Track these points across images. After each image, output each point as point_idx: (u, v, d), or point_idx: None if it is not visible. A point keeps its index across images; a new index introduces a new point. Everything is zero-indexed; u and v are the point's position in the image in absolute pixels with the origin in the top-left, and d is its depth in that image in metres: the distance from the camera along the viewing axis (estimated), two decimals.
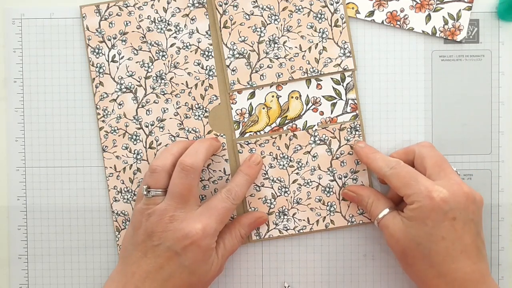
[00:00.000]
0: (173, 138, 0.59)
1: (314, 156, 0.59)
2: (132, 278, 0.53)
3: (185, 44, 0.59)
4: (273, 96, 0.59)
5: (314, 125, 0.59)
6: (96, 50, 0.59)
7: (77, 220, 0.60)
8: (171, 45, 0.59)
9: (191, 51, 0.59)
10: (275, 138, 0.59)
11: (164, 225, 0.52)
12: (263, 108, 0.59)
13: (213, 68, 0.59)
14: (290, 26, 0.59)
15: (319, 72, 0.59)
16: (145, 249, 0.53)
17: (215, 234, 0.54)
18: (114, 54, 0.59)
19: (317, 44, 0.59)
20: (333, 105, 0.59)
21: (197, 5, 0.59)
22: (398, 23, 0.59)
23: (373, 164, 0.56)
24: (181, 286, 0.53)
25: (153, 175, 0.54)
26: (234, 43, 0.59)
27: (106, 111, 0.59)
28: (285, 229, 0.60)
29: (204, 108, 0.59)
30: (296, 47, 0.59)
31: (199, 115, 0.59)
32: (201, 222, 0.53)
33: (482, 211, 0.54)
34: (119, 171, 0.60)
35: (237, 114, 0.59)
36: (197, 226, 0.52)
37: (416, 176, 0.53)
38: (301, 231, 0.60)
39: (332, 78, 0.59)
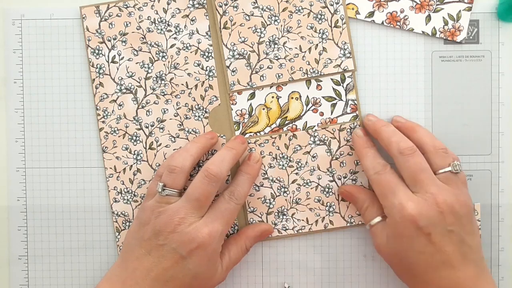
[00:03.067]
0: (173, 139, 0.59)
1: (313, 157, 0.59)
2: (133, 274, 0.53)
3: (185, 45, 0.59)
4: (273, 97, 0.59)
5: (314, 126, 0.59)
6: (96, 51, 0.59)
7: (77, 221, 0.60)
8: (171, 46, 0.59)
9: (191, 52, 0.59)
10: (275, 138, 0.59)
11: (172, 226, 0.53)
12: (263, 109, 0.59)
13: (213, 69, 0.59)
14: (290, 27, 0.59)
15: (319, 72, 0.59)
16: (149, 247, 0.53)
17: (222, 238, 0.54)
18: (114, 55, 0.59)
19: (317, 44, 0.59)
20: (333, 105, 0.59)
21: (197, 6, 0.59)
22: (398, 23, 0.59)
23: (362, 161, 0.56)
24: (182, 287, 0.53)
25: (171, 175, 0.54)
26: (234, 44, 0.59)
27: (106, 112, 0.59)
28: (284, 229, 0.60)
29: (204, 109, 0.59)
30: (296, 47, 0.59)
31: (199, 116, 0.59)
32: (207, 226, 0.53)
33: (469, 216, 0.53)
34: (119, 172, 0.60)
35: (237, 115, 0.59)
36: (204, 230, 0.53)
37: (395, 188, 0.53)
38: (300, 231, 0.60)
39: (332, 79, 0.59)
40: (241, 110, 0.59)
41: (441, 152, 0.54)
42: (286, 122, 0.59)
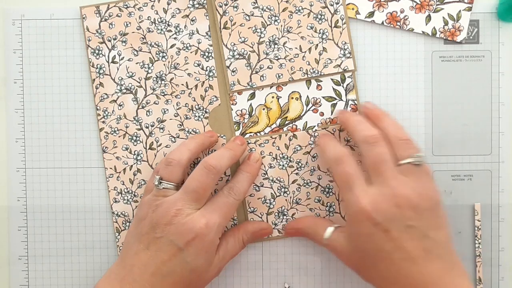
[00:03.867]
0: (173, 139, 0.59)
1: (313, 157, 0.59)
2: (131, 270, 0.53)
3: (185, 45, 0.59)
4: (273, 97, 0.59)
5: (314, 126, 0.59)
6: (96, 51, 0.59)
7: (77, 221, 0.60)
8: (171, 46, 0.59)
9: (191, 52, 0.59)
10: (275, 138, 0.59)
11: (169, 218, 0.52)
12: (263, 109, 0.59)
13: (213, 69, 0.59)
14: (290, 27, 0.59)
15: (319, 73, 0.59)
16: (147, 241, 0.53)
17: (219, 230, 0.54)
18: (114, 55, 0.59)
19: (317, 45, 0.59)
20: (333, 106, 0.59)
21: (197, 6, 0.59)
22: (398, 23, 0.59)
23: (325, 151, 0.55)
24: (180, 283, 0.53)
25: (168, 168, 0.54)
26: (234, 44, 0.59)
27: (106, 112, 0.59)
28: (285, 229, 0.60)
29: (204, 109, 0.59)
30: (296, 48, 0.59)
31: (199, 116, 0.59)
32: (204, 217, 0.53)
33: (432, 210, 0.51)
34: (119, 172, 0.60)
35: (237, 115, 0.59)
36: (201, 221, 0.52)
37: (352, 182, 0.52)
38: None
39: (332, 79, 0.59)
40: (241, 110, 0.59)
41: (403, 143, 0.52)
42: (286, 122, 0.59)
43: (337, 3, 0.58)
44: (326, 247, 0.55)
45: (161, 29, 0.59)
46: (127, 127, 0.59)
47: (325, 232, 0.55)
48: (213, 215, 0.53)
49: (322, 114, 0.59)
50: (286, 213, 0.60)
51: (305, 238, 0.60)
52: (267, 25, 0.59)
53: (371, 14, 0.59)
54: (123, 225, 0.60)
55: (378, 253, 0.50)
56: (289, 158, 0.59)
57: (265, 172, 0.59)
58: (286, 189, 0.60)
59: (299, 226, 0.58)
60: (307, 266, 0.60)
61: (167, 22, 0.59)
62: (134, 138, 0.59)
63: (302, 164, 0.59)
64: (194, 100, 0.59)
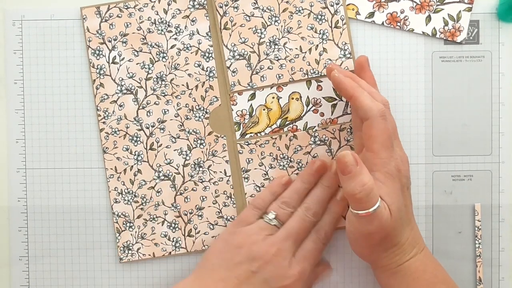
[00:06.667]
0: (173, 140, 0.59)
1: (314, 157, 0.59)
2: None
3: (185, 46, 0.59)
4: (273, 98, 0.59)
5: (315, 126, 0.59)
6: (97, 52, 0.59)
7: (77, 222, 0.60)
8: (172, 47, 0.59)
9: (191, 53, 0.59)
10: (275, 138, 0.59)
11: (269, 256, 0.53)
12: (264, 110, 0.59)
13: (214, 70, 0.59)
14: (290, 28, 0.59)
15: (320, 73, 0.59)
16: (239, 272, 0.53)
17: (308, 279, 0.55)
18: (115, 56, 0.59)
19: (317, 45, 0.59)
20: (334, 106, 0.59)
21: (197, 6, 0.59)
22: (398, 24, 0.59)
23: (359, 101, 0.51)
24: None
25: (286, 210, 0.55)
26: (235, 45, 0.59)
27: (107, 113, 0.59)
28: None
29: (205, 110, 0.59)
30: (296, 48, 0.59)
31: (199, 117, 0.59)
32: (299, 265, 0.54)
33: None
34: (120, 173, 0.60)
35: (238, 116, 0.59)
36: (296, 268, 0.54)
37: (393, 139, 0.53)
38: None
39: None
40: (242, 111, 0.59)
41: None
42: (287, 122, 0.59)
43: (337, 4, 0.58)
44: (369, 216, 0.50)
45: (162, 30, 0.59)
46: (127, 127, 0.59)
47: (377, 201, 0.49)
48: (305, 263, 0.54)
49: (322, 114, 0.59)
50: None
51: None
52: (268, 25, 0.59)
53: (371, 14, 0.59)
54: (124, 225, 0.60)
55: (405, 208, 0.53)
56: (289, 158, 0.59)
57: (265, 173, 0.59)
58: None
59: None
60: None
61: (167, 23, 0.59)
62: (135, 138, 0.59)
63: (302, 164, 0.59)
64: (195, 101, 0.59)
